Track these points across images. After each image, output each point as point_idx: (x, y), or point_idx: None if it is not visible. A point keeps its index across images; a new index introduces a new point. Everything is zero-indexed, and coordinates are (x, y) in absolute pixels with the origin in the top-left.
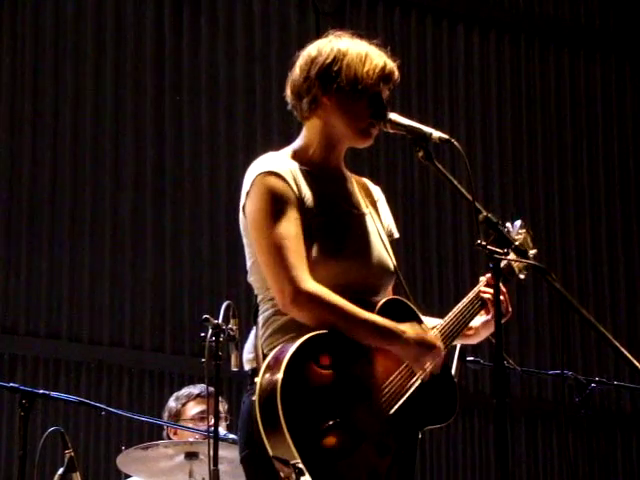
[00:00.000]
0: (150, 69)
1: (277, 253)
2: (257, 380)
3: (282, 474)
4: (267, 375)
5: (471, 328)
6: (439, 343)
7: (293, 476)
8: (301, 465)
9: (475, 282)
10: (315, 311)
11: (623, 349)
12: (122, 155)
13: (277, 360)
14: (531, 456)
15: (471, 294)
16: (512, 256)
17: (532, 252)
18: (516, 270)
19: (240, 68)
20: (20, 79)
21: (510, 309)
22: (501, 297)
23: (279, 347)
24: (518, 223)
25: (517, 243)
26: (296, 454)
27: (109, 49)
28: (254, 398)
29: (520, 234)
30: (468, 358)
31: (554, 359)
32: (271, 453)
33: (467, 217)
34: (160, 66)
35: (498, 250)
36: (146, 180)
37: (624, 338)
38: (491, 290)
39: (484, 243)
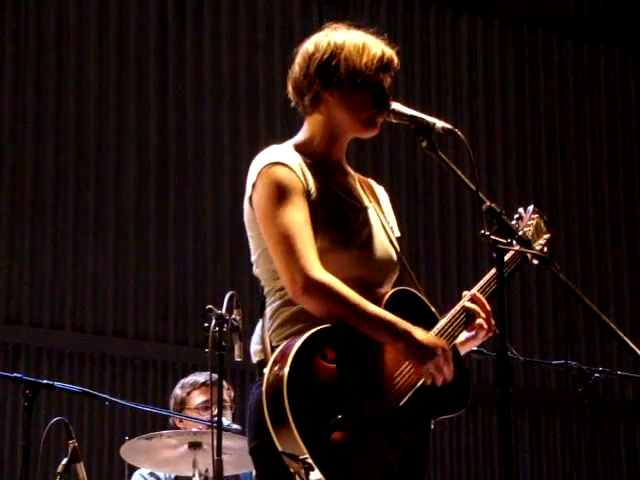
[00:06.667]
0: (153, 60)
1: (287, 242)
2: (265, 374)
3: (291, 469)
4: (274, 370)
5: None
6: (446, 346)
7: (302, 471)
8: (310, 460)
9: (479, 274)
10: (325, 301)
11: (627, 339)
12: (125, 146)
13: (284, 355)
14: (534, 446)
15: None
16: (516, 246)
17: (545, 236)
18: (528, 256)
19: (243, 58)
20: (23, 70)
21: (492, 327)
22: (483, 315)
23: (286, 341)
24: (531, 208)
25: (521, 232)
26: (304, 449)
27: (112, 40)
28: (262, 391)
29: (533, 219)
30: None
31: (557, 349)
32: (280, 448)
33: (471, 208)
34: (163, 57)
35: (501, 240)
36: (150, 171)
37: (627, 328)
38: (475, 306)
39: (487, 233)
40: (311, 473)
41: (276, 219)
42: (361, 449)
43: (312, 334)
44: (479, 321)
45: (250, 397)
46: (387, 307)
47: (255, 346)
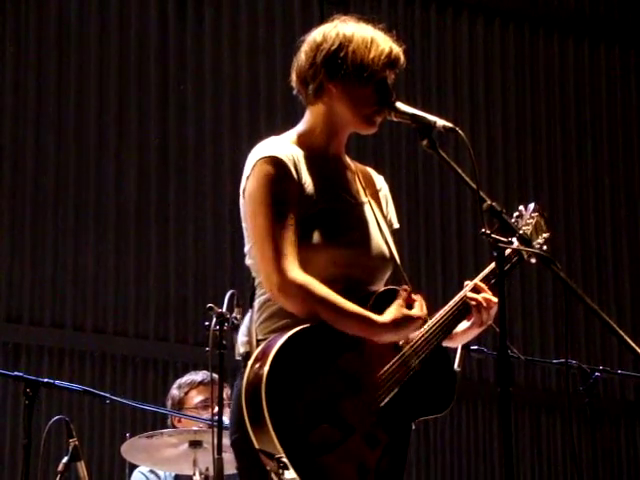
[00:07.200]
0: (154, 59)
1: (268, 240)
2: (247, 370)
3: (267, 467)
4: (254, 368)
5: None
6: (418, 312)
7: (278, 470)
8: (285, 460)
9: (479, 272)
10: (301, 301)
11: (627, 338)
12: (126, 144)
13: (264, 353)
14: (535, 445)
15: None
16: (516, 244)
17: (545, 235)
18: (525, 255)
19: (244, 58)
20: (24, 69)
21: (491, 318)
22: (484, 304)
23: (269, 339)
24: (532, 206)
25: (521, 232)
26: (280, 449)
27: (113, 39)
28: (242, 387)
29: (533, 217)
30: (472, 347)
31: (558, 348)
32: (257, 446)
33: (471, 206)
34: (164, 56)
35: (502, 239)
36: (150, 169)
37: (628, 327)
38: (477, 296)
39: (488, 232)
40: (286, 472)
41: (261, 216)
42: (338, 449)
43: (294, 334)
44: (474, 300)
45: (234, 389)
46: (373, 306)
47: (242, 337)
